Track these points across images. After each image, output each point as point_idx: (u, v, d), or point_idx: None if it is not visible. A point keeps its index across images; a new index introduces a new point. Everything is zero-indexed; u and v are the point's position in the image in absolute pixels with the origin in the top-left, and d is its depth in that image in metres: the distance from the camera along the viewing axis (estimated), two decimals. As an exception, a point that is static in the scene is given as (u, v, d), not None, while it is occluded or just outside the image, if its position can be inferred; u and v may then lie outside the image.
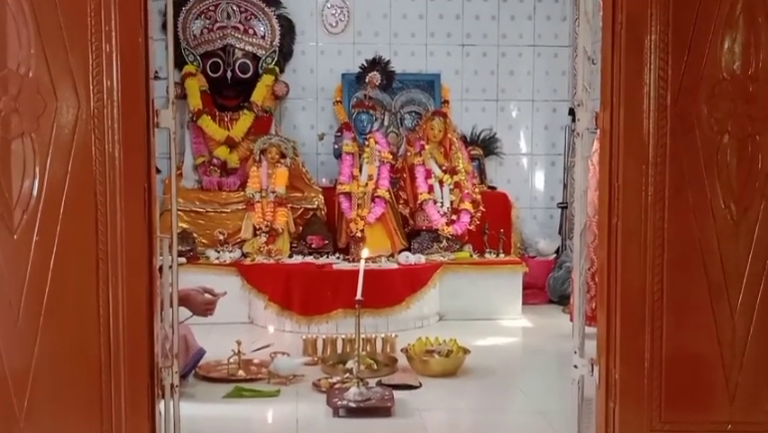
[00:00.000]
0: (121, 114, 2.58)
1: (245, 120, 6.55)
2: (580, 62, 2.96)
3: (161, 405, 2.78)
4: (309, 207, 6.36)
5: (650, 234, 2.73)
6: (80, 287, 2.59)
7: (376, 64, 6.52)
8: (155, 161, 2.68)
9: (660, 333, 2.75)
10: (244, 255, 6.00)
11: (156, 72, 2.71)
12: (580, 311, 3.05)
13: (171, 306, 2.87)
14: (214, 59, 6.62)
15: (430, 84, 6.89)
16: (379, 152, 6.31)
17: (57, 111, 2.56)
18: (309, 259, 5.96)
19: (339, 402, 3.83)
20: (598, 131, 2.86)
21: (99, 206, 2.58)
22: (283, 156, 6.32)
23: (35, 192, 2.56)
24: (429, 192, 6.29)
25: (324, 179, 6.68)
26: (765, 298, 2.75)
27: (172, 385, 2.81)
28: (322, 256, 6.02)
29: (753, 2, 2.69)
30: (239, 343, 4.40)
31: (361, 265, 3.93)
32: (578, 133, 3.00)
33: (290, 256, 6.04)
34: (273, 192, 6.17)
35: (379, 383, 4.20)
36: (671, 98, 2.70)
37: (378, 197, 6.19)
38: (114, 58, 2.56)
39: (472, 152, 6.81)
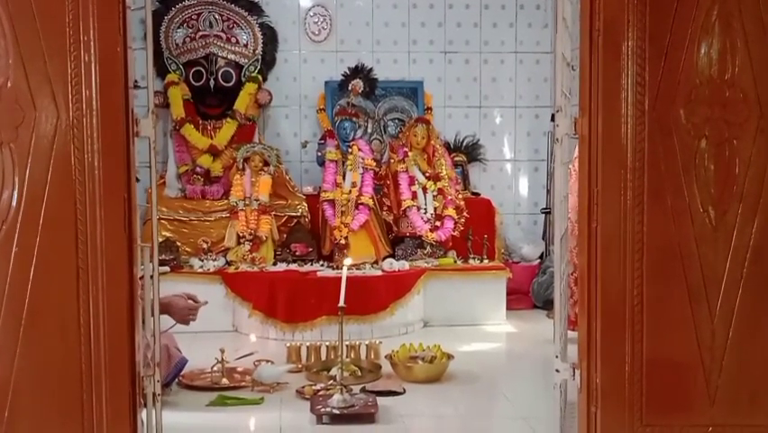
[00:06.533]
0: (100, 123, 2.57)
1: (228, 128, 6.53)
2: (559, 68, 2.98)
3: (143, 414, 2.78)
4: (293, 214, 6.35)
5: (629, 239, 2.74)
6: (60, 297, 2.59)
7: (358, 72, 6.53)
8: (135, 170, 2.68)
9: (640, 337, 2.76)
10: (228, 264, 5.99)
11: (136, 81, 2.71)
12: (561, 316, 3.07)
13: (153, 315, 2.87)
14: (197, 68, 6.62)
15: (413, 91, 6.91)
16: (363, 159, 6.32)
17: (36, 121, 2.55)
18: (293, 267, 5.96)
19: (323, 409, 3.83)
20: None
21: (79, 215, 2.58)
22: (266, 164, 6.31)
23: (14, 203, 2.56)
24: (413, 199, 6.30)
25: (307, 187, 6.67)
26: (744, 301, 2.77)
27: (154, 394, 2.81)
28: (306, 264, 6.02)
29: (728, 8, 2.71)
30: (222, 351, 4.39)
31: (344, 272, 3.94)
32: (557, 139, 3.02)
33: (274, 264, 6.04)
34: (257, 200, 6.17)
35: (363, 390, 4.20)
36: (648, 104, 2.72)
37: (361, 204, 6.19)
38: (93, 67, 2.56)
39: (456, 159, 6.83)
